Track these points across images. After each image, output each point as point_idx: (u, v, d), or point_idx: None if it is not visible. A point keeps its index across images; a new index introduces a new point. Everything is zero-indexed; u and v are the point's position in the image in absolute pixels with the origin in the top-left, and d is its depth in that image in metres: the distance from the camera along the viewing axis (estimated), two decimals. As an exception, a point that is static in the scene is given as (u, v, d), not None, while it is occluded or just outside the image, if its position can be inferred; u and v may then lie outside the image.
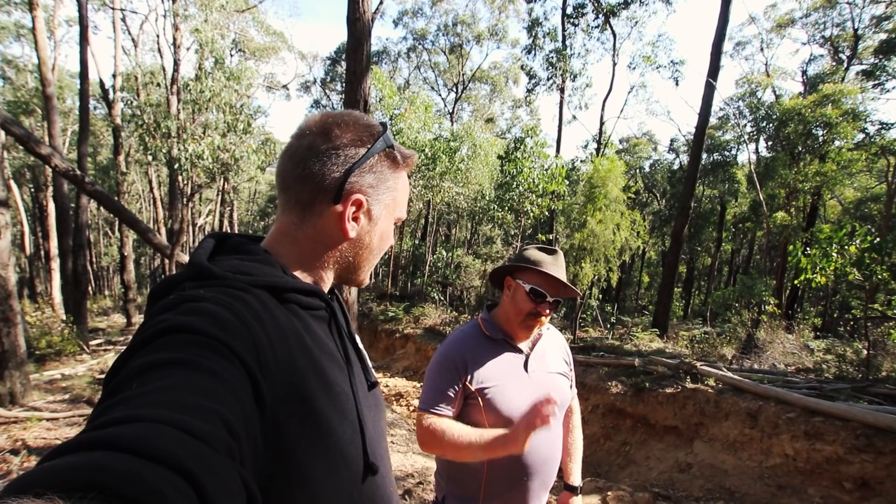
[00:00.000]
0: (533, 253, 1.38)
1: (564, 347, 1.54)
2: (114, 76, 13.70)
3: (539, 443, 1.31)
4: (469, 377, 1.31)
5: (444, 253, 17.71)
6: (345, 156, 0.66)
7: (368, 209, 0.69)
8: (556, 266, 1.36)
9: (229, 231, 0.72)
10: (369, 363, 0.79)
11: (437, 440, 1.25)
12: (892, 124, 16.81)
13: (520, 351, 1.40)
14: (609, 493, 4.44)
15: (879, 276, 5.86)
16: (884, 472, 3.84)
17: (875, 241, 5.71)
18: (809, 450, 4.28)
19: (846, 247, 5.89)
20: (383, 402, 0.81)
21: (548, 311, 1.34)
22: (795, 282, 7.16)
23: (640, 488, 4.60)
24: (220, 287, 0.57)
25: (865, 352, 6.27)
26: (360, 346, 0.80)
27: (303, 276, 0.68)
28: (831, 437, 4.21)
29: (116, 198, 11.47)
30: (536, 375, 1.38)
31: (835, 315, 19.70)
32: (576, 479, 1.52)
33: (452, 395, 1.30)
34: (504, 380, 1.33)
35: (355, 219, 0.68)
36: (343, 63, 24.60)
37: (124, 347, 0.51)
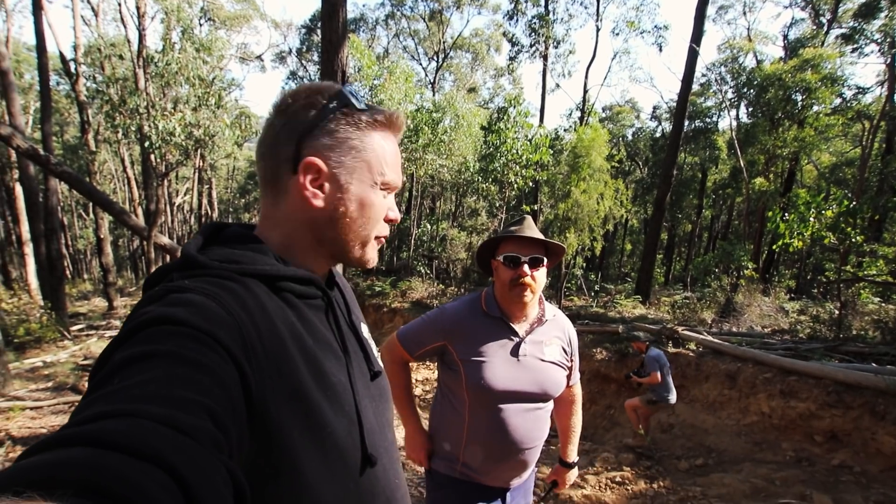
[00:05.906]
0: (502, 229, 1.44)
1: (569, 336, 1.51)
2: (74, 48, 12.91)
3: (518, 424, 1.35)
4: (453, 346, 1.37)
5: (429, 226, 17.61)
6: (296, 122, 0.64)
7: (331, 173, 0.64)
8: (523, 228, 1.39)
9: (227, 221, 0.71)
10: (374, 352, 0.77)
11: (386, 368, 1.42)
12: (869, 89, 17.01)
13: (515, 333, 1.39)
14: (595, 455, 4.62)
15: (854, 239, 6.03)
16: (851, 424, 4.07)
17: (851, 206, 5.85)
18: (784, 407, 4.49)
19: (823, 211, 6.03)
20: (389, 391, 0.79)
21: (527, 272, 1.34)
22: (774, 247, 7.33)
23: (625, 449, 4.79)
24: (206, 277, 0.56)
25: (837, 312, 6.52)
26: (365, 334, 0.78)
27: (294, 261, 0.66)
28: (805, 394, 4.42)
29: (88, 178, 11.04)
30: (527, 361, 1.37)
31: (808, 277, 20.39)
32: (571, 456, 1.62)
33: (425, 347, 1.43)
34: (490, 358, 1.34)
35: (319, 187, 0.64)
36: (319, 32, 23.62)
37: (108, 333, 0.49)
